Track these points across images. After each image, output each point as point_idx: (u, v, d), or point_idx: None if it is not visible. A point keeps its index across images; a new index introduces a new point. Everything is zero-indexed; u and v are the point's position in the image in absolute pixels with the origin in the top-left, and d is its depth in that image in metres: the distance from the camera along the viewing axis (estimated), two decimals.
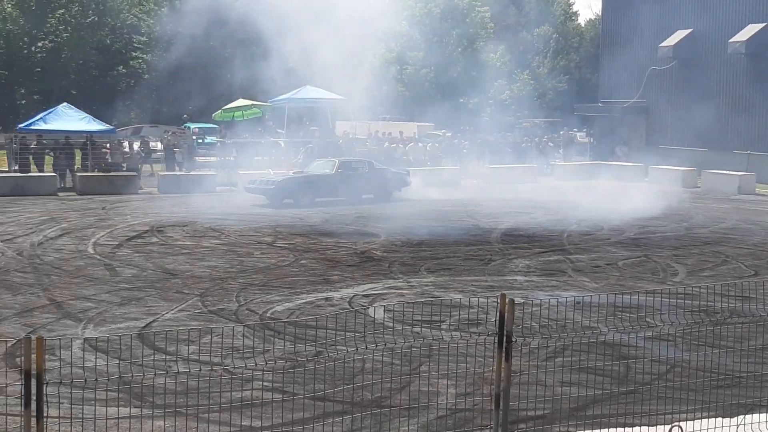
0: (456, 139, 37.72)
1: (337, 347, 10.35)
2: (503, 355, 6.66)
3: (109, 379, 8.71)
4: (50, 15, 57.84)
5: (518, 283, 15.38)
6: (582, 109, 45.13)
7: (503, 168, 34.19)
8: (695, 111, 33.53)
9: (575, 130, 44.38)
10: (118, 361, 10.00)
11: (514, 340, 6.69)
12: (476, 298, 13.10)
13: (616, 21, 41.68)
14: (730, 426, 6.92)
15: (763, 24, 34.92)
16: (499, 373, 6.65)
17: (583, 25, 75.57)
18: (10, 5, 58.56)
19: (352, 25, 47.17)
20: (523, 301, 12.05)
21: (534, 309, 12.51)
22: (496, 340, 6.75)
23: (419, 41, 52.98)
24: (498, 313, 6.72)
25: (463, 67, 49.16)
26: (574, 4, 79.38)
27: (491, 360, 8.71)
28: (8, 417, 8.08)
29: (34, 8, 58.34)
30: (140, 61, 57.08)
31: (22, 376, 5.52)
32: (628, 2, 40.24)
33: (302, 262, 17.31)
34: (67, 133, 32.24)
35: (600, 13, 48.69)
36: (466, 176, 34.05)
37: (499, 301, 6.73)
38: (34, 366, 5.43)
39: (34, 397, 5.45)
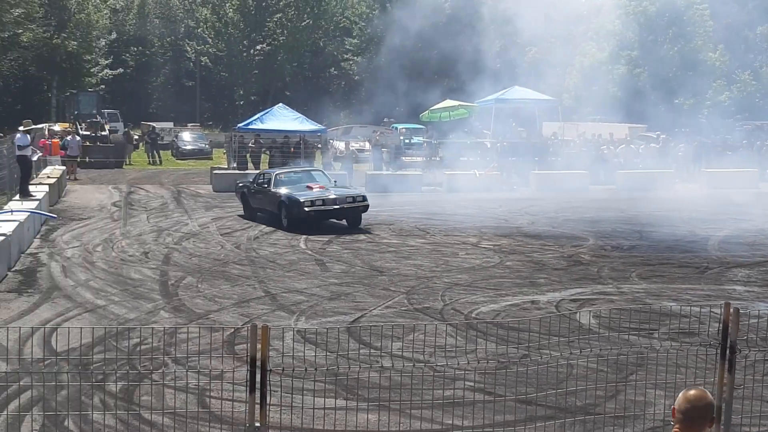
0: (671, 141, 36.28)
1: (543, 351, 10.16)
2: (726, 366, 6.29)
3: (321, 370, 8.94)
4: (268, 19, 60.64)
5: (737, 293, 14.56)
6: None
7: (721, 172, 32.54)
8: None
9: None
10: (328, 354, 10.27)
11: (738, 351, 6.31)
12: (691, 307, 12.49)
13: None
14: None
15: None
16: (721, 385, 6.29)
17: None
18: (231, 10, 61.89)
19: (563, 24, 46.45)
20: (744, 311, 11.38)
21: (753, 321, 11.80)
22: (719, 351, 6.39)
23: (633, 40, 51.39)
24: (721, 323, 6.36)
25: (679, 67, 47.24)
26: None
27: (708, 372, 8.28)
28: (231, 402, 8.46)
29: (253, 12, 61.37)
30: (351, 62, 58.67)
31: (248, 363, 5.74)
32: None
33: (507, 263, 17.17)
34: (283, 133, 33.61)
35: None
36: (680, 180, 32.69)
37: (722, 310, 6.37)
38: (258, 354, 5.63)
39: (258, 384, 5.65)
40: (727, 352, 6.32)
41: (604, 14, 52.63)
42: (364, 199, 21.63)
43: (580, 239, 20.13)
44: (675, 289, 14.88)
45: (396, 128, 41.62)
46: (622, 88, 45.86)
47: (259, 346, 5.57)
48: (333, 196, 21.19)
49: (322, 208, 21.00)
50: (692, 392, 4.16)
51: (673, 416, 4.18)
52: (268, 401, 5.79)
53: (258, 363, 5.59)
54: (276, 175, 22.99)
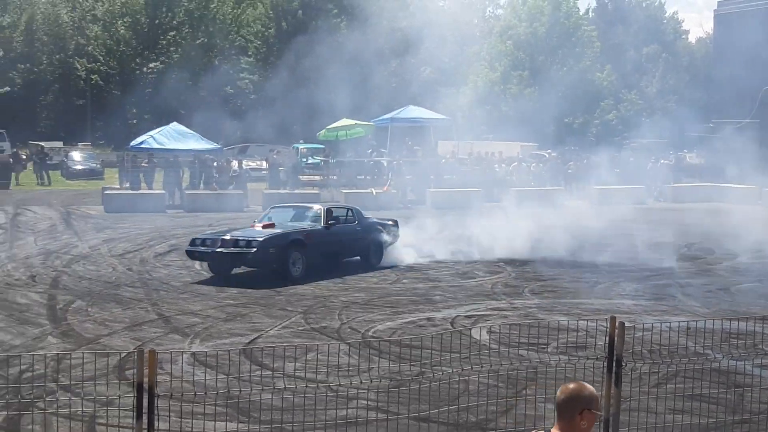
0: (560, 159, 37.23)
1: (438, 368, 10.23)
2: (613, 379, 6.45)
3: (213, 394, 8.79)
4: (162, 37, 59.76)
5: (625, 307, 14.98)
6: (693, 130, 43.99)
7: (611, 189, 33.51)
8: None
9: (686, 151, 43.25)
10: (223, 376, 10.10)
11: (624, 364, 6.47)
12: (583, 321, 12.79)
13: (728, 40, 40.54)
14: None
15: None
16: (608, 398, 6.43)
17: (693, 43, 73.84)
18: (123, 27, 60.78)
19: (456, 45, 47.25)
20: (632, 325, 11.71)
21: (641, 333, 12.14)
22: (605, 365, 6.54)
23: (524, 60, 52.61)
24: (607, 337, 6.52)
25: (568, 87, 48.56)
26: (683, 22, 77.61)
27: (599, 385, 8.46)
28: (120, 429, 8.23)
29: (146, 30, 60.40)
30: (247, 81, 58.33)
31: (134, 389, 5.60)
32: (741, 20, 39.13)
33: (404, 281, 17.27)
34: (177, 152, 33.09)
35: (711, 32, 47.45)
36: (570, 197, 33.55)
37: (608, 324, 6.53)
38: (146, 379, 5.49)
39: (145, 410, 5.51)
40: (614, 365, 6.48)
41: (496, 36, 53.78)
42: (248, 244, 17.06)
43: (472, 256, 20.38)
44: (566, 303, 15.21)
45: (297, 148, 41.56)
46: (514, 108, 46.88)
47: (146, 370, 5.43)
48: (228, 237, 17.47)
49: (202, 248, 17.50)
50: (565, 385, 4.29)
51: None
52: (156, 427, 5.65)
53: (145, 387, 5.46)
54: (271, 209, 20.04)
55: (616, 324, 6.46)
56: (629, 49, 61.14)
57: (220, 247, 17.12)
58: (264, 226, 17.88)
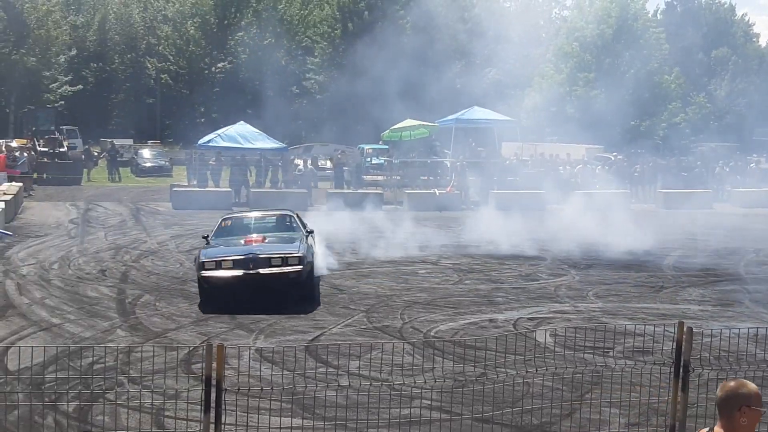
0: (627, 162, 36.76)
1: (500, 369, 10.22)
2: (679, 385, 6.39)
3: (278, 389, 8.91)
4: (230, 37, 60.54)
5: (692, 312, 14.76)
6: (762, 134, 43.05)
7: (676, 192, 33.00)
8: None
9: (755, 155, 42.36)
10: (287, 373, 10.22)
11: (691, 369, 6.41)
12: (647, 326, 12.64)
13: None
14: None
15: None
16: (675, 403, 6.38)
17: (763, 47, 72.27)
18: (192, 27, 61.71)
19: (521, 46, 46.95)
20: (699, 331, 11.54)
21: (707, 339, 11.96)
22: (672, 370, 6.48)
23: (590, 62, 52.06)
24: (675, 342, 6.46)
25: (635, 89, 47.94)
26: (754, 25, 76.12)
27: (663, 390, 8.39)
28: (187, 422, 8.40)
29: (215, 30, 61.24)
30: (313, 81, 58.73)
31: (202, 382, 5.72)
32: None
33: (466, 282, 17.25)
34: (243, 151, 33.52)
35: None
36: (636, 200, 33.12)
37: (676, 329, 6.47)
38: (213, 373, 5.61)
39: (213, 404, 5.63)
40: (681, 370, 6.42)
41: (563, 37, 53.28)
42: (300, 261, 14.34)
43: (539, 258, 20.28)
44: (631, 308, 15.05)
45: (362, 148, 41.77)
46: (579, 109, 46.41)
47: (214, 365, 5.55)
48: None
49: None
50: (725, 382, 4.30)
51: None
52: (223, 421, 5.77)
53: (213, 382, 5.58)
54: (222, 221, 16.81)
55: (684, 329, 6.40)
56: (698, 52, 60.08)
57: (252, 269, 14.34)
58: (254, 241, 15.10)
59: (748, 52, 66.84)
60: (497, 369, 10.23)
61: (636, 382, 9.63)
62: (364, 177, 35.41)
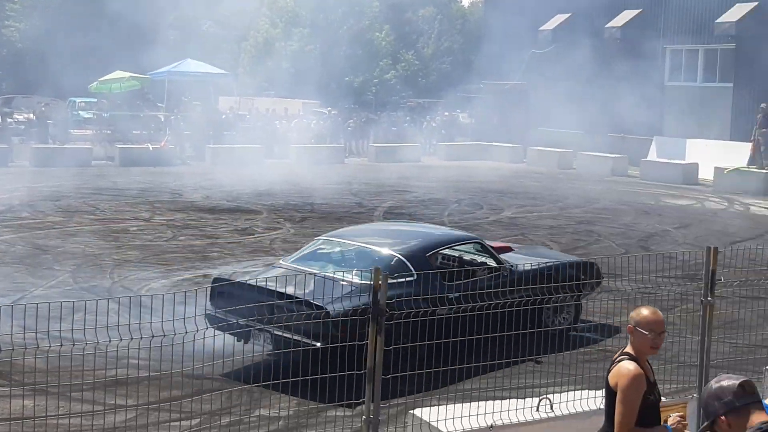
0: (341, 117, 37.68)
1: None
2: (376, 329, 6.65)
3: None
4: None
5: None
6: (464, 90, 45.68)
7: (387, 146, 34.32)
8: (573, 94, 34.23)
9: (458, 111, 44.87)
10: None
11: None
12: None
13: (499, 3, 42.25)
14: (596, 397, 7.11)
15: (639, 10, 36.03)
16: None
17: (466, 7, 76.46)
18: None
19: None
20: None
21: None
22: None
23: (305, 18, 52.62)
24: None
25: (348, 46, 49.09)
26: None
27: None
28: None
29: None
30: (13, 29, 54.85)
31: None
32: None
33: (180, 238, 16.98)
34: None
35: None
36: (350, 154, 34.15)
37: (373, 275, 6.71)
38: None
39: None
40: None
41: None
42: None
43: (255, 213, 20.36)
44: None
45: (74, 101, 39.55)
46: (295, 64, 46.88)
47: None
48: None
49: None
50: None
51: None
52: None
53: None
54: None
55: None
56: (407, 11, 62.50)
57: None
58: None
59: (453, 12, 70.42)
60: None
61: None
62: (73, 131, 33.72)
